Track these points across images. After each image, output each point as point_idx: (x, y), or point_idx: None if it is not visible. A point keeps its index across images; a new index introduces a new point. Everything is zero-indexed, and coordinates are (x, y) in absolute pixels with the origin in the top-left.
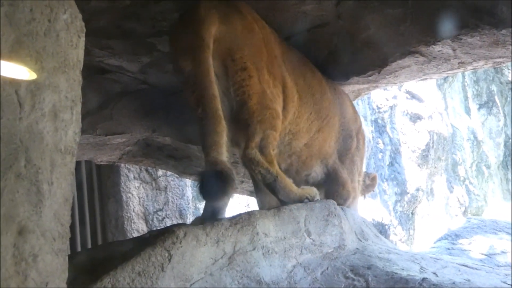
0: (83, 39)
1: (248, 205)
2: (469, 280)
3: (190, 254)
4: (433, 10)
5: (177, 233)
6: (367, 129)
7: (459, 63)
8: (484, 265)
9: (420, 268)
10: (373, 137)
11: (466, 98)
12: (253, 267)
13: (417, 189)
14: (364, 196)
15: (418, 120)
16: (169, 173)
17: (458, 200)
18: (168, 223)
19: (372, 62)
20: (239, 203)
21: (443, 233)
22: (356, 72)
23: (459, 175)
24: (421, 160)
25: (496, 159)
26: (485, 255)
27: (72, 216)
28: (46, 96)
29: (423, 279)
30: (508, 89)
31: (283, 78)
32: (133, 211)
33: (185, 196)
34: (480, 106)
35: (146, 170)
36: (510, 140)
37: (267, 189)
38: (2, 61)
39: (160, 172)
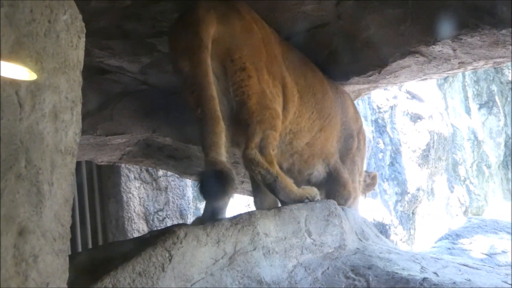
0: (83, 39)
1: (248, 205)
2: (469, 280)
3: (191, 254)
4: (433, 10)
5: (178, 233)
6: (368, 129)
7: (459, 63)
8: (484, 265)
9: (421, 268)
10: (373, 137)
11: (466, 98)
12: (254, 267)
13: (418, 189)
14: (365, 195)
15: (418, 120)
16: (169, 173)
17: (459, 200)
18: (169, 223)
19: (372, 62)
20: (239, 203)
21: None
22: (356, 72)
23: (459, 175)
24: (422, 160)
25: (496, 159)
26: (486, 254)
27: (73, 216)
28: (46, 96)
29: (424, 279)
30: (509, 89)
31: (283, 78)
32: (134, 212)
33: (186, 196)
34: (481, 106)
35: (147, 171)
36: (511, 140)
37: (267, 189)
38: (2, 62)
39: (160, 172)
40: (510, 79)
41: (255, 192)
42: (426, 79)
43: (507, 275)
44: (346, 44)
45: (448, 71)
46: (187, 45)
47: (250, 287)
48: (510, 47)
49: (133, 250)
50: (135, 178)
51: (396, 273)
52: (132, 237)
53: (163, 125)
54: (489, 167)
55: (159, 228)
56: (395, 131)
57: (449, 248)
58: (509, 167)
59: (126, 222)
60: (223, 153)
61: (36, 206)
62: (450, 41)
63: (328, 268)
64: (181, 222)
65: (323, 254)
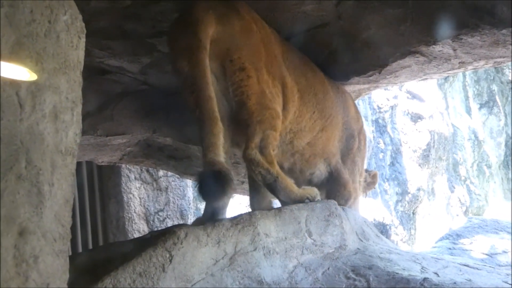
0: (83, 40)
1: (249, 205)
2: (470, 280)
3: (191, 255)
4: (433, 10)
5: (178, 234)
6: (368, 129)
7: (459, 63)
8: (485, 265)
9: (421, 268)
10: (374, 137)
11: (467, 97)
12: (254, 267)
13: (418, 189)
14: (366, 194)
15: (419, 120)
16: (170, 173)
17: (459, 200)
18: (169, 223)
19: (373, 62)
20: (239, 203)
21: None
22: (357, 72)
23: (460, 174)
24: (422, 160)
25: (497, 158)
26: (487, 254)
27: (73, 217)
28: (47, 97)
29: (424, 279)
30: (509, 89)
31: (283, 78)
32: (134, 212)
33: (186, 196)
34: (481, 106)
35: (147, 171)
36: (511, 139)
37: (267, 189)
38: (2, 62)
39: (161, 173)
40: (510, 78)
41: (252, 193)
42: (426, 79)
43: (507, 275)
44: (346, 44)
45: (448, 71)
46: (185, 46)
47: (250, 287)
48: (510, 47)
49: (133, 250)
50: (135, 178)
51: (397, 273)
52: (132, 238)
53: (163, 125)
54: (489, 167)
55: (159, 229)
56: (396, 131)
57: (450, 248)
58: (510, 167)
59: (126, 223)
60: (221, 153)
61: (37, 207)
62: (450, 41)
63: (328, 268)
64: (181, 222)
65: (323, 254)
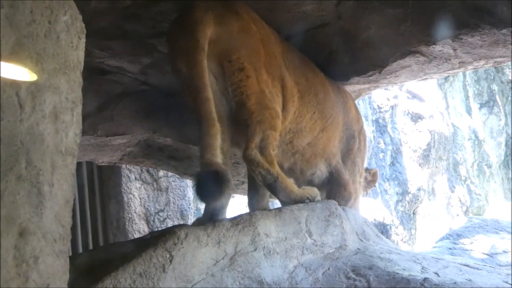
0: (83, 40)
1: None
2: (470, 280)
3: (191, 255)
4: (433, 10)
5: (178, 234)
6: (368, 129)
7: (459, 62)
8: (485, 265)
9: (422, 268)
10: (374, 137)
11: (467, 97)
12: (255, 267)
13: (419, 189)
14: (366, 192)
15: (419, 120)
16: (170, 174)
17: (460, 200)
18: (170, 224)
19: (373, 62)
20: (240, 203)
21: (444, 233)
22: (357, 72)
23: (460, 174)
24: (422, 160)
25: (497, 158)
26: (487, 254)
27: (73, 217)
28: (47, 97)
29: (425, 279)
30: (509, 88)
31: (283, 78)
32: (134, 212)
33: (186, 197)
34: (481, 106)
35: (147, 171)
36: (511, 139)
37: (267, 190)
38: (2, 63)
39: (161, 173)
40: (510, 78)
41: (252, 192)
42: (426, 78)
43: (508, 275)
44: (347, 44)
45: (448, 70)
46: (184, 46)
47: (251, 287)
48: (511, 46)
49: (133, 251)
50: (135, 178)
51: (397, 273)
52: (132, 238)
53: (163, 126)
54: (490, 166)
55: (159, 229)
56: (396, 131)
57: (450, 248)
58: (510, 166)
59: (126, 223)
60: (218, 154)
61: (37, 207)
62: (450, 41)
63: (329, 268)
64: (181, 222)
65: (324, 255)
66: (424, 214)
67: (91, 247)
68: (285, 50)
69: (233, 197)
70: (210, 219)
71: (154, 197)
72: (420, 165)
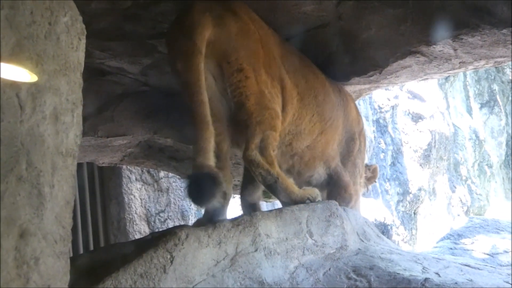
0: (83, 41)
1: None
2: (471, 280)
3: (192, 256)
4: (433, 10)
5: (179, 235)
6: (369, 129)
7: (460, 62)
8: (486, 265)
9: (423, 268)
10: (375, 137)
11: (467, 97)
12: (255, 268)
13: (419, 189)
14: (367, 189)
15: (419, 120)
16: (171, 174)
17: (460, 200)
18: (170, 224)
19: (373, 62)
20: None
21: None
22: (357, 72)
23: (461, 174)
24: (423, 160)
25: (498, 158)
26: (488, 254)
27: (74, 218)
28: (47, 98)
29: (426, 279)
30: (510, 88)
31: (282, 79)
32: (135, 213)
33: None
34: (482, 106)
35: (148, 172)
36: None
37: (268, 190)
38: (2, 64)
39: (162, 174)
40: (511, 78)
41: (245, 183)
42: (427, 79)
43: (508, 275)
44: (347, 45)
45: (449, 70)
46: (181, 48)
47: None
48: (511, 46)
49: (134, 251)
50: (136, 179)
51: (398, 273)
52: (133, 239)
53: (164, 126)
54: (490, 166)
55: (160, 230)
56: (397, 131)
57: (451, 248)
58: (511, 166)
59: (127, 224)
60: (211, 157)
61: (37, 208)
62: (450, 41)
63: (329, 269)
64: (182, 223)
65: (324, 255)
66: (425, 214)
67: (91, 248)
68: (284, 51)
69: (234, 197)
70: (210, 219)
71: (155, 197)
72: (421, 165)
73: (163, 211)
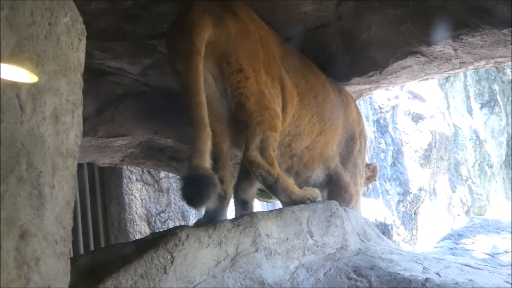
0: (83, 42)
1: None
2: (472, 280)
3: (193, 256)
4: (433, 10)
5: (180, 235)
6: (369, 129)
7: (460, 63)
8: (487, 265)
9: (423, 269)
10: (375, 137)
11: (468, 97)
12: (256, 268)
13: (420, 189)
14: (367, 188)
15: (420, 120)
16: (171, 174)
17: (461, 200)
18: (171, 225)
19: (373, 62)
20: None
21: (446, 233)
22: (357, 72)
23: (461, 174)
24: (424, 160)
25: (498, 158)
26: (488, 254)
27: (75, 218)
28: (47, 99)
29: (426, 280)
30: (510, 88)
31: (282, 80)
32: (136, 213)
33: None
34: (482, 106)
35: (149, 172)
36: None
37: (268, 190)
38: (3, 65)
39: (162, 174)
40: (511, 78)
41: (240, 179)
42: (427, 79)
43: (509, 275)
44: (347, 45)
45: (449, 71)
46: (181, 49)
47: None
48: (511, 46)
49: (135, 252)
50: (137, 180)
51: (398, 273)
52: (134, 239)
53: (164, 127)
54: (491, 166)
55: (161, 230)
56: (397, 131)
57: (452, 248)
58: (511, 166)
59: (128, 224)
60: (207, 159)
61: (38, 209)
62: (451, 41)
63: (330, 269)
64: (183, 223)
65: (325, 255)
66: (425, 214)
67: (92, 248)
68: (285, 51)
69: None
70: (211, 220)
71: (155, 198)
72: (421, 165)
73: (163, 212)
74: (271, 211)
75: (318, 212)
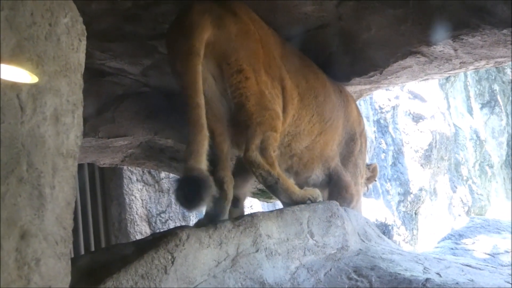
0: (84, 42)
1: (251, 206)
2: (472, 280)
3: (193, 257)
4: (434, 10)
5: (180, 236)
6: (370, 130)
7: (460, 63)
8: (487, 265)
9: (424, 269)
10: (375, 137)
11: (468, 97)
12: (256, 268)
13: (420, 189)
14: (368, 188)
15: (420, 120)
16: (171, 175)
17: (461, 200)
18: (171, 225)
19: (373, 62)
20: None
21: (446, 233)
22: (358, 73)
23: (462, 174)
24: (424, 160)
25: (499, 158)
26: (489, 254)
27: (75, 219)
28: (48, 100)
29: (427, 280)
30: (510, 89)
31: (282, 80)
32: (136, 214)
33: None
34: (483, 106)
35: (149, 172)
36: None
37: (269, 191)
38: (3, 65)
39: (163, 174)
40: (511, 78)
41: (236, 176)
42: (427, 79)
43: (509, 275)
44: (347, 45)
45: (449, 71)
46: (180, 50)
47: None
48: (511, 46)
49: (135, 252)
50: (137, 180)
51: (399, 273)
52: (134, 240)
53: (164, 127)
54: (491, 166)
55: (161, 230)
56: (397, 131)
57: (452, 248)
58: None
59: (128, 225)
60: (203, 161)
61: (38, 210)
62: (451, 41)
63: (330, 269)
64: (183, 224)
65: (325, 255)
66: (426, 215)
67: (92, 249)
68: (285, 51)
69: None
70: (211, 220)
71: (156, 198)
72: (421, 165)
73: (164, 212)
74: (271, 211)
75: (319, 212)
